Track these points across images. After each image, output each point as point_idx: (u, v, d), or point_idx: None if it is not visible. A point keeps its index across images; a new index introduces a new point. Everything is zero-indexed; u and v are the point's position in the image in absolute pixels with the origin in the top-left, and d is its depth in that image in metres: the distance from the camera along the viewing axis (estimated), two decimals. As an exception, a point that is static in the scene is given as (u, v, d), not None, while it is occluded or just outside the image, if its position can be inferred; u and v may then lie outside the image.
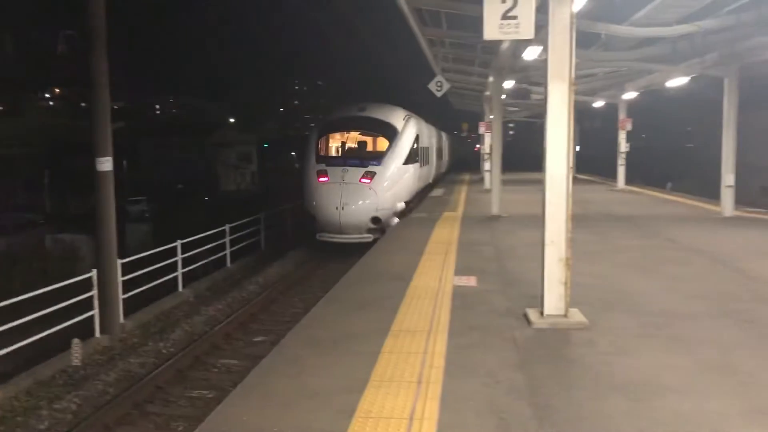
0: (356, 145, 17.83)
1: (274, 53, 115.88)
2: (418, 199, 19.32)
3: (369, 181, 15.15)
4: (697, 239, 11.80)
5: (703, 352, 5.58)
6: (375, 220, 15.14)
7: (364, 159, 15.89)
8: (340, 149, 17.88)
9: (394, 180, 15.81)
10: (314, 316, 7.13)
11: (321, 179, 15.32)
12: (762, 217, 15.27)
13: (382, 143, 16.83)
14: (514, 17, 6.27)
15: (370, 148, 17.75)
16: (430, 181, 23.68)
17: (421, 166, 18.58)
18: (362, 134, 17.71)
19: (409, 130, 17.01)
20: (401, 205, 16.24)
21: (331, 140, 17.47)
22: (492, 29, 6.31)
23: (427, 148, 21.04)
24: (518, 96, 19.95)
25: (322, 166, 15.57)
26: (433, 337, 6.10)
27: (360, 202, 14.96)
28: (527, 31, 6.29)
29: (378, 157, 15.96)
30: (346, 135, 18.00)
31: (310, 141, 16.62)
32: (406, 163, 16.34)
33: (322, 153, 16.47)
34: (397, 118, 17.11)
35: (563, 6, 6.14)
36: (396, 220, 15.73)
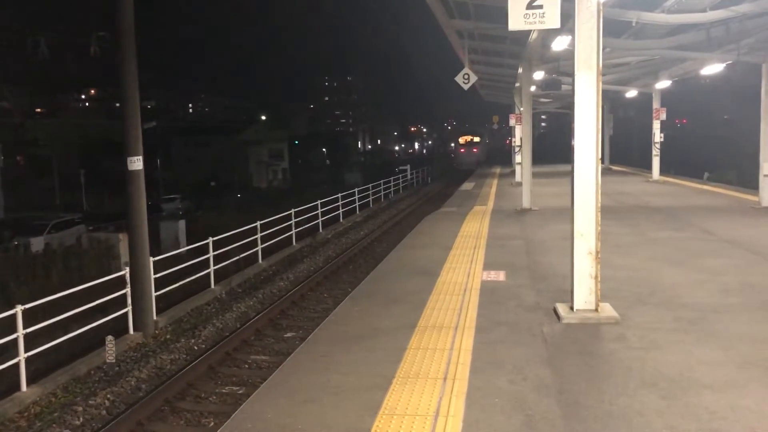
0: (470, 140, 59.89)
1: (304, 50, 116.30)
2: (485, 160, 54.87)
3: (476, 151, 58.93)
4: (733, 230, 11.49)
5: (739, 347, 5.41)
6: (477, 162, 53.59)
7: (473, 145, 59.77)
8: (465, 140, 60.34)
9: (483, 150, 59.69)
10: (342, 311, 7.12)
11: (461, 151, 60.77)
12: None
13: (478, 139, 60.31)
14: (540, 6, 6.14)
15: (474, 140, 59.78)
16: (487, 152, 59.00)
17: (488, 148, 64.60)
18: (471, 135, 61.18)
19: (485, 136, 64.48)
20: (483, 159, 56.24)
21: (462, 138, 61.66)
22: (517, 19, 6.20)
23: (488, 141, 65.43)
24: (549, 87, 19.68)
25: (461, 147, 61.23)
26: (460, 333, 6.04)
27: (473, 157, 56.74)
28: (553, 20, 6.16)
29: (477, 144, 60.03)
30: (465, 136, 61.35)
31: (456, 140, 65.28)
32: (484, 146, 61.34)
33: (459, 142, 61.91)
34: (482, 129, 69.76)
35: (590, -6, 6.00)
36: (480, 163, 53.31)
